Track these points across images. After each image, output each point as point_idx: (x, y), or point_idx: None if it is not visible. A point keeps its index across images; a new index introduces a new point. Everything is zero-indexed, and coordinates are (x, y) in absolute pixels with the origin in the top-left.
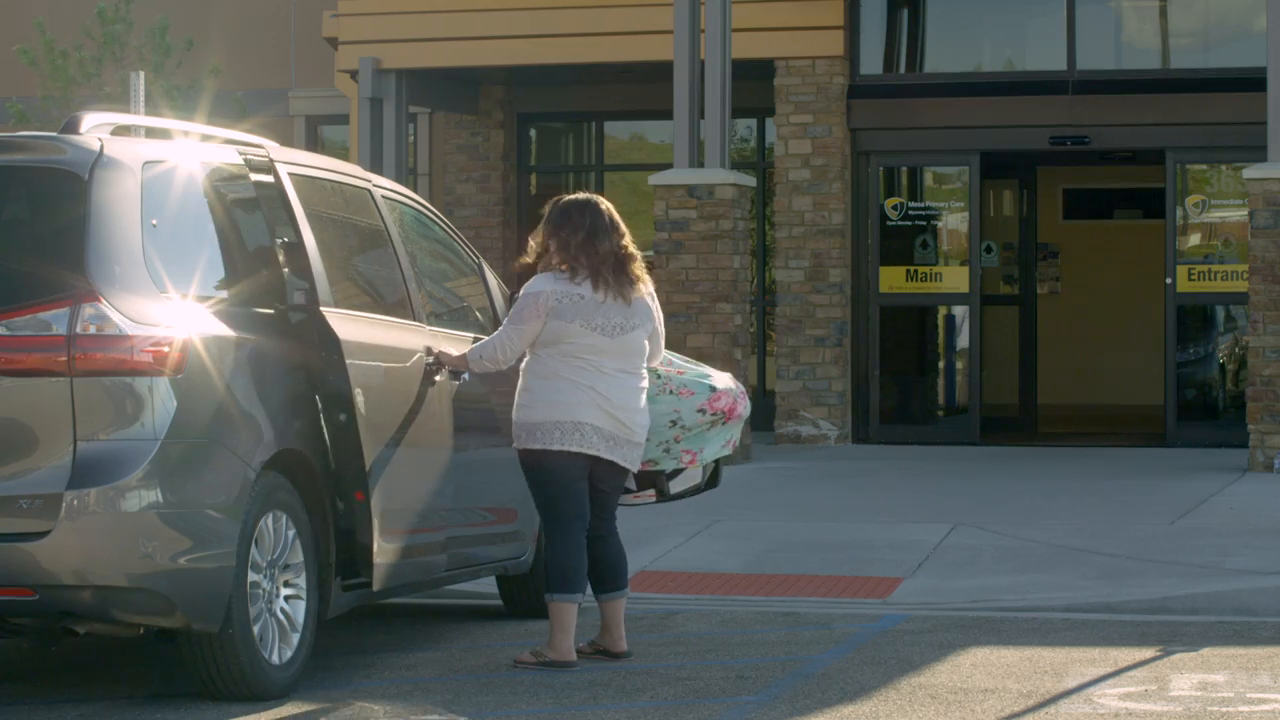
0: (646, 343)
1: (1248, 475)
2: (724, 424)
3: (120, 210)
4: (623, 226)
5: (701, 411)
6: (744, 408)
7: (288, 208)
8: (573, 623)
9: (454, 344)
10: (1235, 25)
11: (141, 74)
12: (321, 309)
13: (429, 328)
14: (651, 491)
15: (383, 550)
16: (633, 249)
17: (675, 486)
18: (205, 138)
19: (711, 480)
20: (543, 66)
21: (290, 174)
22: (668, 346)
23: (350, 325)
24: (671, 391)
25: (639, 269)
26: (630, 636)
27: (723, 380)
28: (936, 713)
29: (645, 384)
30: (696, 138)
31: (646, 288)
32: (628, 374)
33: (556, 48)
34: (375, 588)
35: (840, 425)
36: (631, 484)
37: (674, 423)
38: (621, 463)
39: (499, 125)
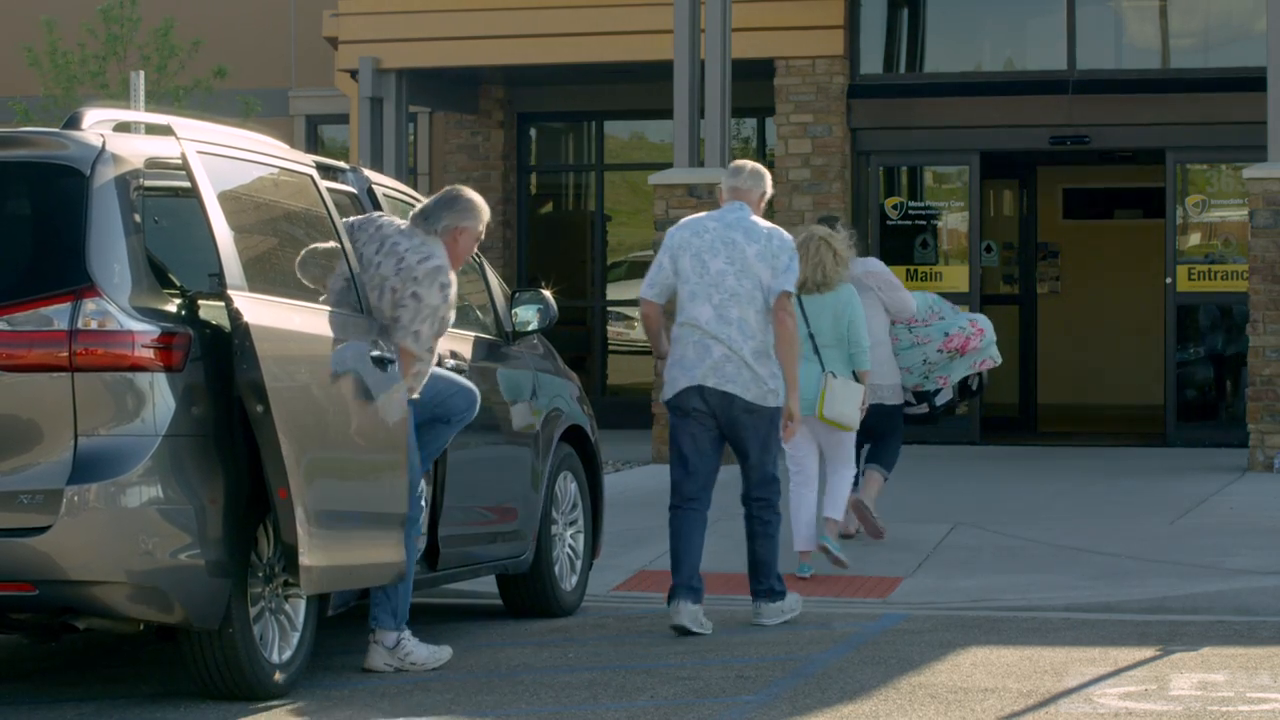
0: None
1: (1248, 475)
2: (961, 356)
3: (122, 206)
4: (830, 237)
5: (940, 351)
6: (979, 340)
7: (195, 187)
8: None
9: (455, 342)
10: (1235, 26)
11: (142, 73)
12: (230, 293)
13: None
14: (925, 405)
15: (312, 552)
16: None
17: (939, 400)
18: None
19: (979, 391)
20: (543, 66)
21: (202, 153)
22: None
23: (268, 311)
24: (916, 343)
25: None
26: (630, 637)
27: (958, 325)
28: (936, 712)
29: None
30: (696, 137)
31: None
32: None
33: (556, 48)
34: (306, 592)
35: None
36: (912, 399)
37: (924, 360)
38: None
39: (499, 125)
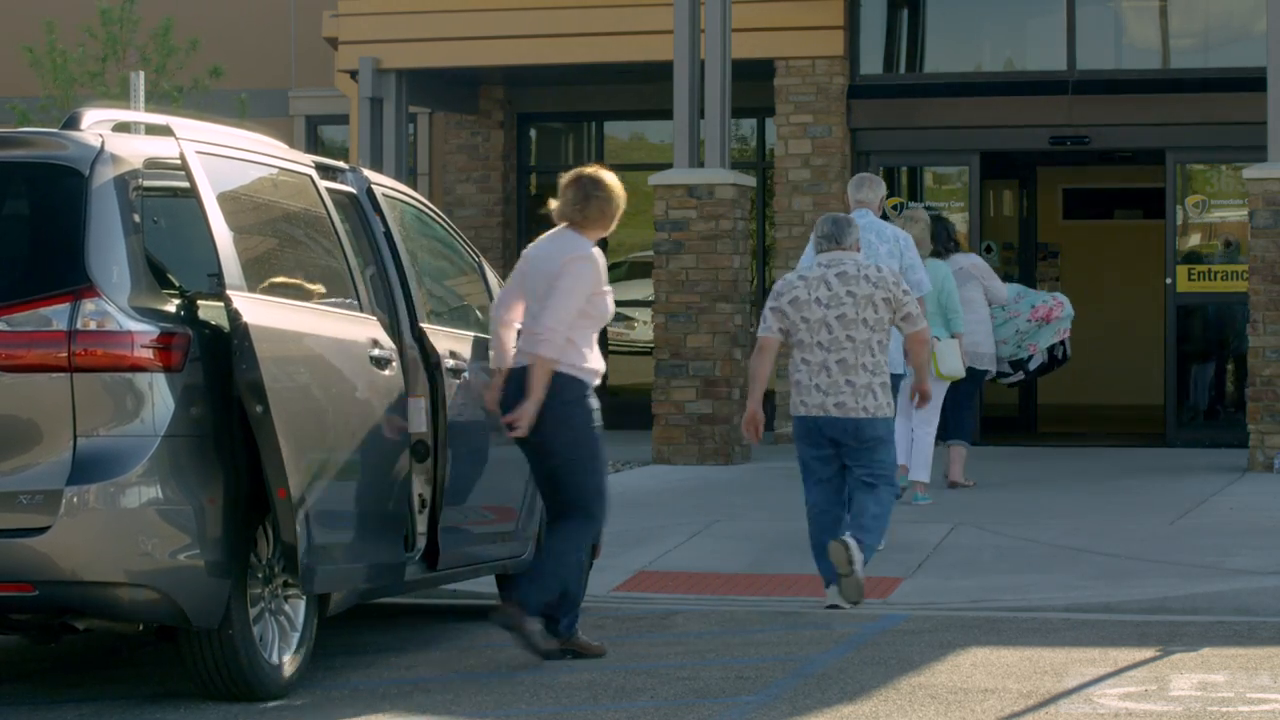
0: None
1: (1248, 475)
2: (1046, 324)
3: (121, 206)
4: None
5: (1029, 321)
6: (1059, 311)
7: (194, 187)
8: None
9: (455, 342)
10: (1235, 26)
11: (141, 74)
12: (230, 293)
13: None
14: (1020, 373)
15: (312, 552)
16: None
17: (1031, 365)
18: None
19: (1064, 359)
20: (543, 66)
21: (201, 153)
22: (670, 345)
23: (267, 311)
24: (1010, 317)
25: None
26: (630, 637)
27: (1042, 299)
28: (936, 713)
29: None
30: (696, 138)
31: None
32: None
33: (556, 48)
34: (305, 592)
35: None
36: (1007, 369)
37: (1016, 331)
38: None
39: (499, 125)
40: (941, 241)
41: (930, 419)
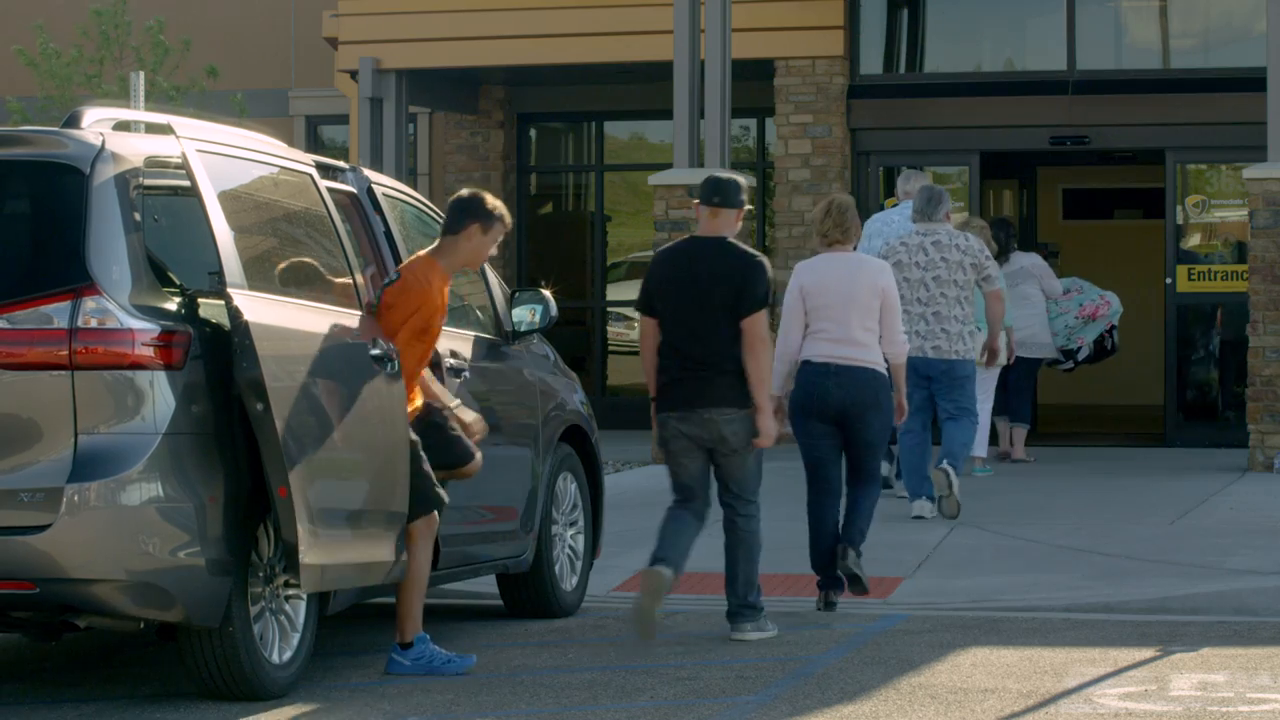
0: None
1: (1248, 475)
2: (1094, 320)
3: (121, 204)
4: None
5: (1077, 318)
6: (1106, 309)
7: (195, 186)
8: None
9: (456, 342)
10: (1235, 26)
11: (141, 73)
12: (230, 291)
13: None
14: (1071, 362)
15: (312, 551)
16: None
17: (1080, 356)
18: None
19: (1113, 350)
20: (543, 66)
21: (201, 152)
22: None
23: (267, 309)
24: (1061, 313)
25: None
26: (630, 637)
27: (1090, 298)
28: (936, 713)
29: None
30: (696, 138)
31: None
32: None
33: (556, 48)
34: (305, 590)
35: None
36: (1060, 357)
37: (1066, 326)
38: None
39: (499, 125)
40: (1001, 242)
41: (985, 401)
